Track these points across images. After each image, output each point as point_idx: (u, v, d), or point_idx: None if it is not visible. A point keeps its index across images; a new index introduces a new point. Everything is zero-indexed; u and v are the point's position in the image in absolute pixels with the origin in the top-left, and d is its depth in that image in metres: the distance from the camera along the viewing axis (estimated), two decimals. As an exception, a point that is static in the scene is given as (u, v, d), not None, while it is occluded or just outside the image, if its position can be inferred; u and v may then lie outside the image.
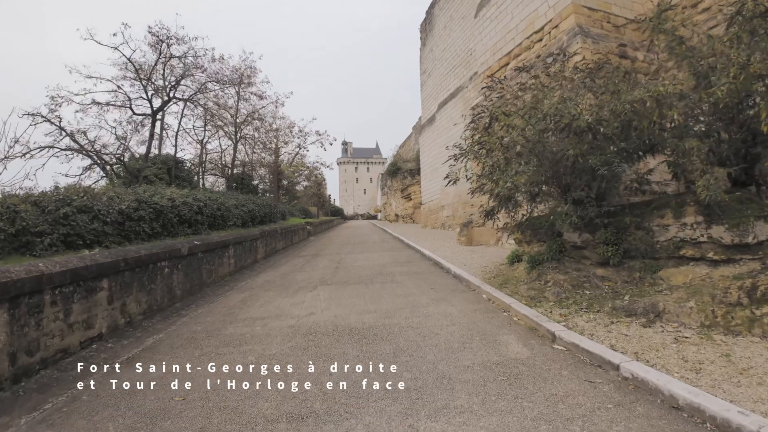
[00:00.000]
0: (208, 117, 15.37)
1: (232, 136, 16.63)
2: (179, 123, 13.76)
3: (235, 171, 18.60)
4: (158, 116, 13.36)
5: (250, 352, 3.89)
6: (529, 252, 6.46)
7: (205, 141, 16.34)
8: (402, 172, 36.43)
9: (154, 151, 13.33)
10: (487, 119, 4.97)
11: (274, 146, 19.39)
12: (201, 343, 4.25)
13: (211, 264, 7.93)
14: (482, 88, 6.81)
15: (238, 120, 16.59)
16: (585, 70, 5.61)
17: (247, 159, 20.44)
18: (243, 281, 8.23)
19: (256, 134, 18.67)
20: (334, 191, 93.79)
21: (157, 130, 13.29)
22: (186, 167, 14.34)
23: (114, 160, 12.18)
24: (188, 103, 13.48)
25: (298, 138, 23.96)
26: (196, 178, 15.59)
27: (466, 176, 6.00)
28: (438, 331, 4.24)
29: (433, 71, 23.34)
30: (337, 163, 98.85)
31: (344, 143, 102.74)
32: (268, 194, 22.65)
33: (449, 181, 5.86)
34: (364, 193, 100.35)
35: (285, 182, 28.16)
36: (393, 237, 18.42)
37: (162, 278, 6.12)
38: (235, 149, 17.06)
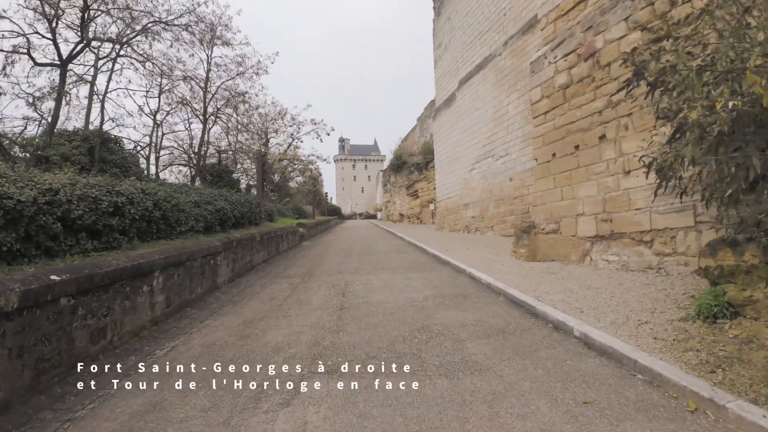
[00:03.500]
0: (165, 82, 11.46)
1: (200, 115, 12.63)
2: (108, 80, 9.75)
3: (208, 160, 14.64)
4: (90, 77, 9.43)
5: None
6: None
7: (159, 116, 12.25)
8: (408, 166, 32.63)
9: (74, 123, 9.47)
10: None
11: (257, 128, 15.40)
12: None
13: (101, 316, 4.07)
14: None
15: (208, 93, 12.66)
16: None
17: (227, 146, 16.54)
18: (168, 343, 4.41)
19: (239, 118, 14.82)
20: (330, 189, 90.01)
21: (81, 93, 9.35)
22: (124, 149, 10.29)
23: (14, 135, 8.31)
24: (128, 57, 9.54)
25: (291, 127, 20.48)
26: (144, 166, 11.63)
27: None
28: None
29: (450, 43, 19.54)
30: (335, 161, 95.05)
31: (341, 140, 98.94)
32: (253, 191, 18.82)
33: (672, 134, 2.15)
34: (362, 191, 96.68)
35: (275, 177, 24.31)
36: (408, 243, 14.61)
37: None
38: (204, 130, 12.99)
